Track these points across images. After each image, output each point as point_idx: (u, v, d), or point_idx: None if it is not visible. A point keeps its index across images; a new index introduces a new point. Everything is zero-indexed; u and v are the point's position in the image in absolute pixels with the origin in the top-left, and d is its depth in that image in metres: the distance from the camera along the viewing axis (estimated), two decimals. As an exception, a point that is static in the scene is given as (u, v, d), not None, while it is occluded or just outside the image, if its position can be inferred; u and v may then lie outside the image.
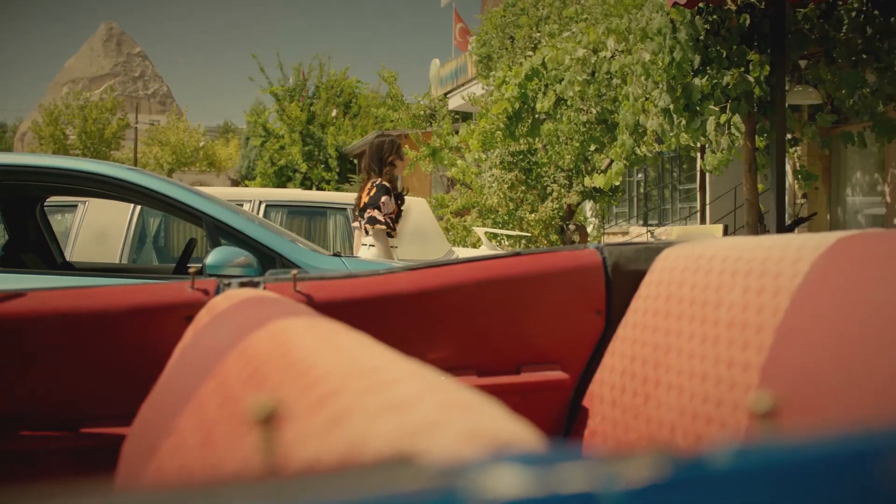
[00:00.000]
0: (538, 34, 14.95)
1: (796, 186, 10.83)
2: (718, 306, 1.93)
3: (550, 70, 9.35)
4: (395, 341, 2.18)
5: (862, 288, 1.61)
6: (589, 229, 16.03)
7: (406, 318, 2.20)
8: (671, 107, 6.98)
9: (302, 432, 0.81)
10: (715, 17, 7.10)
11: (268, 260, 3.77)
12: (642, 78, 7.26)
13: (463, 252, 8.31)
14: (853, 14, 7.56)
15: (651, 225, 15.96)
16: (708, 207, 13.22)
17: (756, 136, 7.56)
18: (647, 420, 2.03)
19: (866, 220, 11.79)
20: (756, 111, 7.39)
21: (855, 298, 1.60)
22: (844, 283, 1.65)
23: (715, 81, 6.89)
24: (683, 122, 7.16)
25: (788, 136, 8.49)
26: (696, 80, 6.95)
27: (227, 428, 1.08)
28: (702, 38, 6.98)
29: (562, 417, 2.30)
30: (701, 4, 6.96)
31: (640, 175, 16.69)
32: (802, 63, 7.97)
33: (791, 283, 1.76)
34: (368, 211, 5.44)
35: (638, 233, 15.57)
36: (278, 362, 1.11)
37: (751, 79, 6.93)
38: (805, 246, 1.81)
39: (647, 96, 7.36)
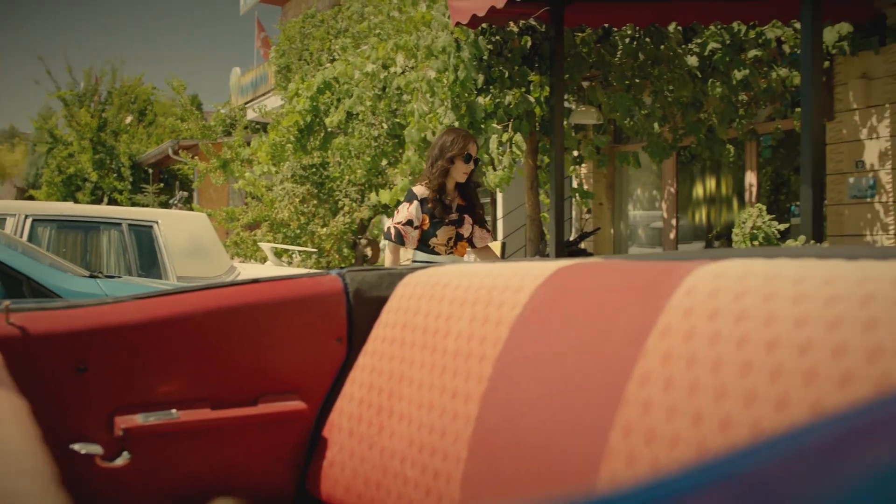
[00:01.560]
0: (335, 47, 14.90)
1: (582, 202, 11.23)
2: (447, 335, 1.92)
3: (342, 84, 9.31)
4: (120, 375, 2.06)
5: (576, 318, 1.63)
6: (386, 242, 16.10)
7: (133, 350, 2.08)
8: (456, 124, 7.08)
9: None
10: (498, 37, 7.27)
11: (14, 283, 3.52)
12: (427, 95, 7.33)
13: (251, 268, 8.12)
14: (627, 40, 7.92)
15: (447, 238, 16.17)
16: (500, 222, 13.53)
17: (538, 155, 7.78)
18: (380, 451, 2.00)
19: (646, 234, 12.38)
20: (538, 130, 7.61)
21: (568, 329, 1.62)
22: (559, 313, 1.67)
23: (498, 100, 7.05)
24: (468, 139, 7.27)
25: (575, 153, 8.81)
26: (480, 99, 7.09)
27: None
28: (485, 57, 7.12)
29: (302, 449, 2.23)
30: (484, 25, 7.10)
31: (436, 189, 16.89)
32: (586, 84, 8.29)
33: (511, 314, 1.77)
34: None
35: (434, 246, 15.75)
36: None
37: (532, 99, 7.12)
38: (528, 275, 1.83)
39: (434, 113, 7.43)
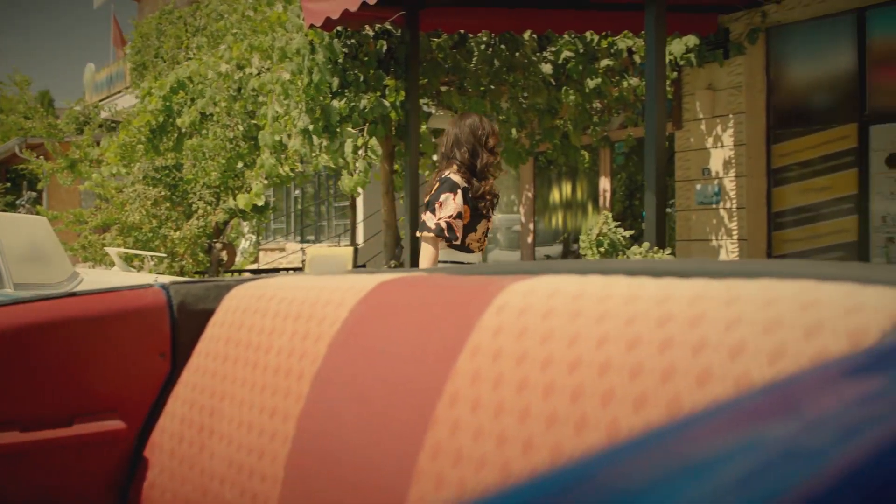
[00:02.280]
0: (192, 45, 14.54)
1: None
2: (269, 351, 1.86)
3: (196, 84, 9.08)
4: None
5: (392, 335, 1.59)
6: (246, 245, 15.80)
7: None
8: (311, 128, 6.99)
9: None
10: (353, 41, 7.22)
11: None
12: (282, 97, 7.22)
13: (97, 273, 7.81)
14: (482, 47, 8.00)
15: (308, 241, 16.04)
16: (361, 225, 13.48)
17: (394, 159, 7.77)
18: (200, 471, 1.92)
19: (506, 238, 12.55)
20: (394, 135, 7.60)
21: (384, 347, 1.59)
22: (376, 330, 1.63)
23: (353, 104, 6.99)
24: (324, 143, 7.19)
25: (435, 157, 8.84)
26: (335, 102, 7.02)
27: None
28: (340, 61, 7.06)
29: (122, 471, 2.13)
30: (339, 28, 7.04)
31: (297, 191, 16.74)
32: (444, 88, 8.32)
33: (330, 330, 1.72)
34: (422, 215, 4.16)
35: (294, 249, 15.57)
36: None
37: (387, 103, 7.10)
38: (349, 290, 1.78)
39: (288, 116, 7.33)
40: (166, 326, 2.17)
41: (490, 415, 1.27)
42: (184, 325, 2.17)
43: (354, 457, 1.49)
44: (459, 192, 4.10)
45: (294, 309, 1.87)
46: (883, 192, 7.92)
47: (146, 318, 2.15)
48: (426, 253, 4.12)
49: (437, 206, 4.09)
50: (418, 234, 4.16)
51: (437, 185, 4.14)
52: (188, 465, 1.96)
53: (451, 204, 4.06)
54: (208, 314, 2.17)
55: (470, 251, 4.19)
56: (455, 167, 4.17)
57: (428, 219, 4.09)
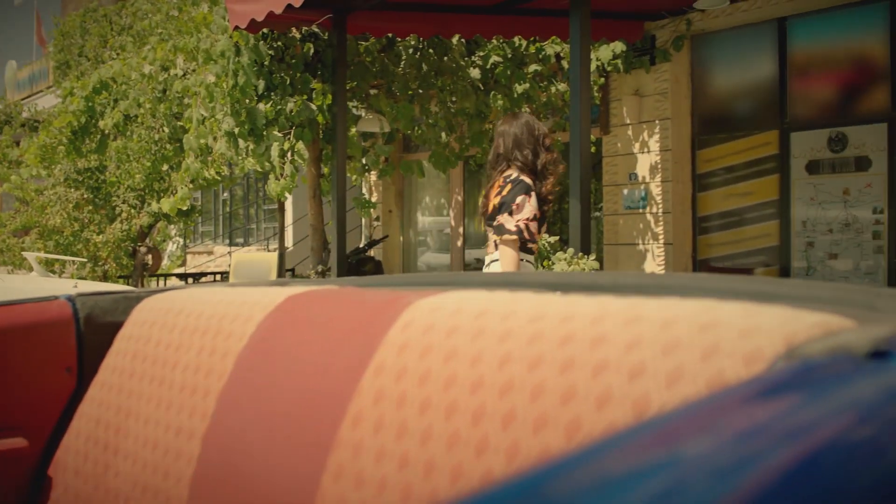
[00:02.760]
0: (116, 44, 14.25)
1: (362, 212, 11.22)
2: (175, 367, 1.81)
3: (120, 84, 8.90)
4: None
5: (299, 351, 1.56)
6: (174, 248, 15.56)
7: None
8: (235, 131, 6.89)
9: None
10: (280, 43, 7.14)
11: None
12: (207, 100, 7.11)
13: (14, 279, 7.61)
14: (410, 51, 7.97)
15: (237, 244, 15.85)
16: (290, 228, 13.35)
17: (321, 163, 7.70)
18: (105, 492, 1.86)
19: (436, 241, 12.54)
20: (321, 138, 7.53)
21: (290, 364, 1.55)
22: (283, 345, 1.60)
23: (279, 107, 6.91)
24: (250, 146, 7.10)
25: (364, 161, 8.78)
26: (261, 106, 6.93)
27: None
28: (266, 63, 6.97)
29: (25, 490, 2.06)
30: (265, 30, 6.96)
31: (226, 194, 16.53)
32: (373, 91, 8.28)
33: (238, 345, 1.69)
34: (498, 217, 4.00)
35: (222, 252, 15.37)
36: None
37: (314, 107, 7.03)
38: (258, 304, 1.75)
39: (213, 119, 7.22)
40: (72, 340, 2.10)
41: (392, 436, 1.25)
42: (91, 338, 2.11)
43: (259, 478, 1.46)
44: (533, 194, 4.01)
45: (202, 323, 1.82)
46: (803, 198, 8.10)
47: (51, 332, 2.09)
48: (510, 257, 3.97)
49: (514, 207, 3.97)
50: (497, 237, 4.01)
51: (510, 186, 4.01)
52: (93, 484, 1.90)
53: (528, 206, 3.97)
54: (116, 327, 2.11)
55: (532, 253, 4.10)
56: (517, 168, 4.07)
57: (506, 221, 3.96)
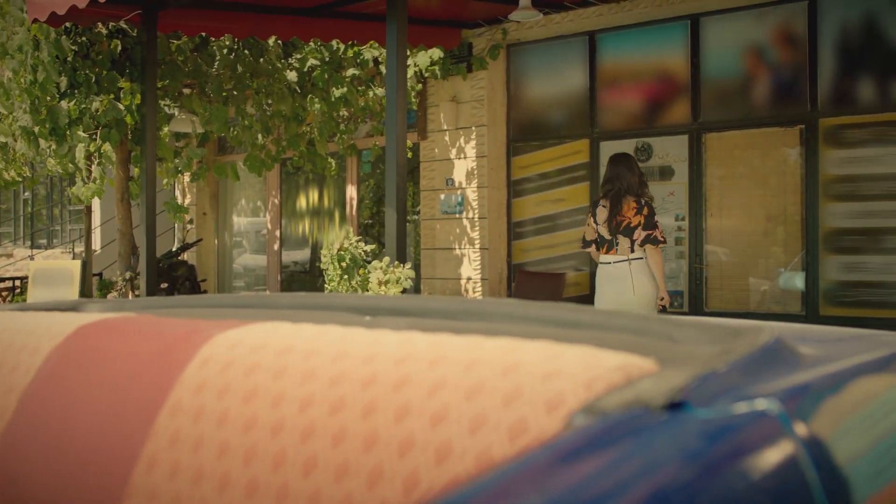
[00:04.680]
0: None
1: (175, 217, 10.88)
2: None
3: None
4: None
5: (90, 389, 1.46)
6: (-32, 251, 14.58)
7: None
8: (35, 129, 6.51)
9: None
10: (84, 38, 6.79)
11: None
12: (4, 98, 6.68)
13: None
14: (225, 51, 7.77)
15: (39, 247, 15.03)
16: (98, 231, 12.78)
17: (130, 165, 7.39)
18: None
19: (252, 244, 12.30)
20: (130, 139, 7.23)
21: (80, 403, 1.45)
22: (73, 382, 1.49)
23: (84, 106, 6.58)
24: (52, 146, 6.73)
25: (176, 161, 8.48)
26: (64, 104, 6.58)
27: None
28: (70, 59, 6.62)
29: None
30: (68, 24, 6.60)
31: (27, 193, 15.64)
32: (187, 91, 8.01)
33: (23, 380, 1.56)
34: (647, 231, 5.71)
35: (23, 255, 14.54)
36: None
37: (122, 106, 6.74)
38: (46, 333, 1.62)
39: (11, 117, 6.80)
40: None
41: (188, 482, 1.18)
42: None
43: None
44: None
45: (-12, 354, 1.68)
46: (611, 205, 8.41)
47: None
48: (660, 256, 5.81)
49: (656, 221, 5.79)
50: (657, 247, 5.75)
51: (646, 209, 5.77)
52: None
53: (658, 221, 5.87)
54: None
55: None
56: (644, 195, 5.90)
57: (659, 234, 5.76)
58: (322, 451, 1.07)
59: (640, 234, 5.68)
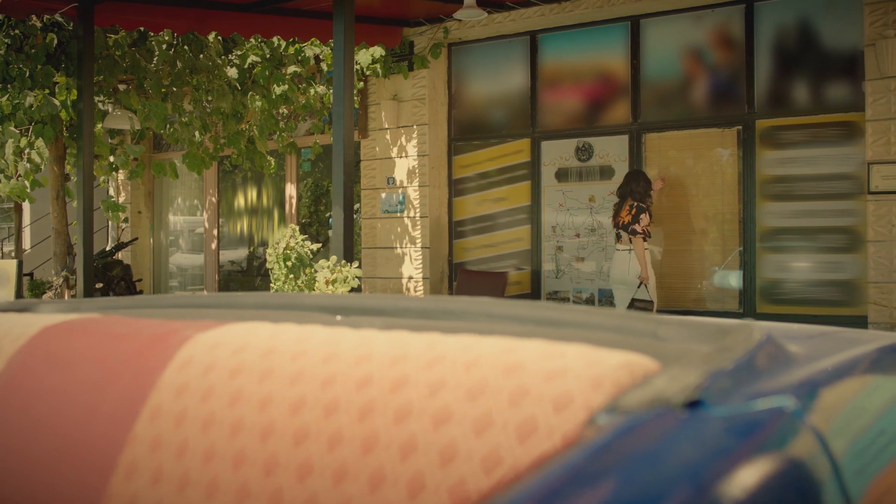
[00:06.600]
0: None
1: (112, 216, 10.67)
2: None
3: None
4: None
5: (59, 394, 1.41)
6: None
7: None
8: (-35, 125, 6.33)
9: None
10: (18, 31, 6.61)
11: None
12: (-68, 91, 6.48)
13: None
14: (164, 46, 7.63)
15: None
16: (29, 229, 12.47)
17: (65, 162, 7.22)
18: None
19: (189, 242, 12.11)
20: (65, 136, 7.05)
21: (49, 408, 1.40)
22: (40, 386, 1.43)
23: (17, 101, 6.40)
24: (-17, 142, 6.54)
25: (111, 159, 8.30)
26: (-5, 99, 6.40)
27: None
28: (2, 53, 6.44)
29: None
30: (0, 16, 6.42)
31: (-47, 190, 15.19)
32: (122, 87, 7.84)
33: None
34: (632, 226, 7.22)
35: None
36: None
37: (57, 102, 6.57)
38: (7, 335, 1.56)
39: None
40: None
41: (173, 488, 1.14)
42: None
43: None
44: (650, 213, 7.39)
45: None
46: (553, 204, 8.47)
47: None
48: (640, 246, 7.24)
49: (639, 218, 7.21)
50: (635, 237, 7.29)
51: (634, 210, 7.21)
52: None
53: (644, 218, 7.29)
54: None
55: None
56: (644, 202, 7.32)
57: (638, 227, 7.19)
58: (318, 455, 1.04)
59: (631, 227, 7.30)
